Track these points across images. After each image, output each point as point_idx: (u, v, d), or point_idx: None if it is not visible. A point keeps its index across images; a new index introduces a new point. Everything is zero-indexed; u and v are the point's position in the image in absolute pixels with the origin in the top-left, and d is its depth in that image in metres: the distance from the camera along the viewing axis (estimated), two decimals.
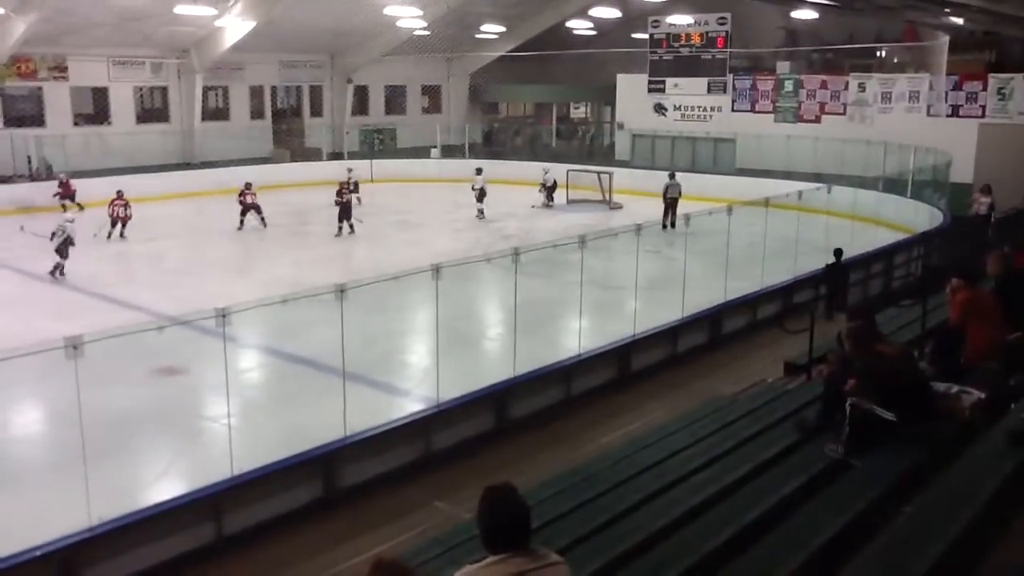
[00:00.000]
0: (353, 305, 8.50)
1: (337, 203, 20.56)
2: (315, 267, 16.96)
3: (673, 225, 19.52)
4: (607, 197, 25.60)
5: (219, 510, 7.46)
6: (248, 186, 21.61)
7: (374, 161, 30.36)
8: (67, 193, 22.57)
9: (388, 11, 25.60)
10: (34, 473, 8.65)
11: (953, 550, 4.02)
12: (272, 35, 27.00)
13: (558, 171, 25.92)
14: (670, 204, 21.30)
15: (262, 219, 21.56)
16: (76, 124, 27.09)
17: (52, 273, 16.19)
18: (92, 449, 6.91)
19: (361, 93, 34.14)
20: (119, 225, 19.83)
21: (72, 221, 17.01)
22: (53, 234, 16.43)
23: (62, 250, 16.25)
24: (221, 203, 22.73)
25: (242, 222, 21.42)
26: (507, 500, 3.18)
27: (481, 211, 23.13)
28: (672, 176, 22.32)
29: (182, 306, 10.79)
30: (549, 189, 25.35)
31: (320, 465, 8.19)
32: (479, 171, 23.94)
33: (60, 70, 26.39)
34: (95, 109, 27.70)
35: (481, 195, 23.17)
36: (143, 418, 9.69)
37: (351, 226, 20.56)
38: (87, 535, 6.67)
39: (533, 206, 24.95)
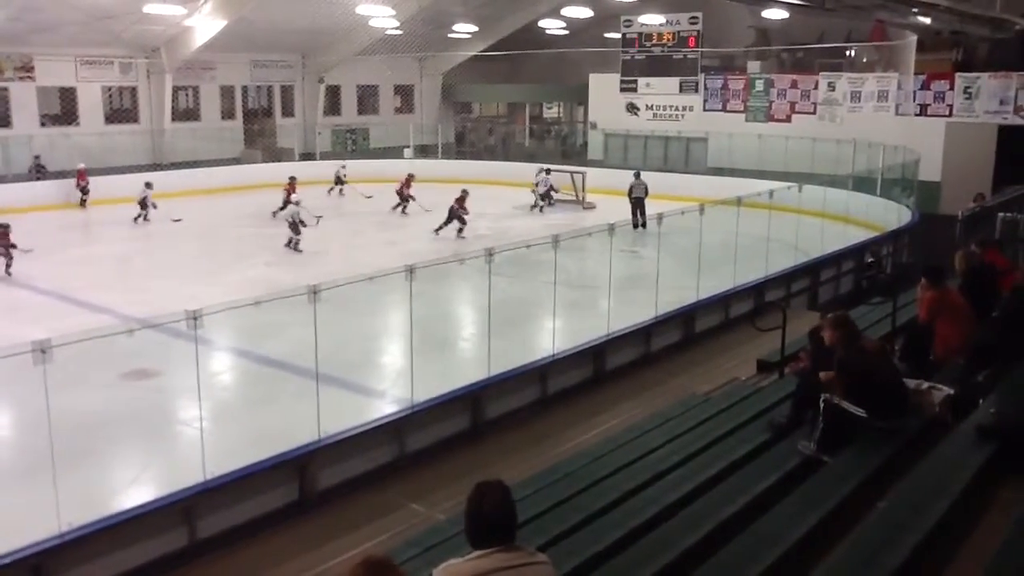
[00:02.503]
0: (327, 306, 8.44)
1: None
2: (288, 268, 16.84)
3: (644, 225, 19.36)
4: (580, 197, 25.64)
5: (192, 514, 7.38)
6: (411, 178, 23.84)
7: (347, 161, 30.22)
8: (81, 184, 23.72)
9: (360, 10, 25.45)
10: (2, 479, 8.50)
11: (926, 543, 4.08)
12: (243, 34, 26.76)
13: (531, 171, 25.94)
14: (636, 203, 21.34)
15: (403, 207, 23.47)
16: (43, 125, 26.66)
17: (287, 245, 18.82)
18: (62, 454, 6.80)
19: (333, 93, 33.94)
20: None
21: (299, 203, 19.59)
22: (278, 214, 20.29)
23: (295, 227, 18.92)
24: (191, 204, 22.52)
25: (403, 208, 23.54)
26: (495, 497, 3.19)
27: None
28: (637, 175, 22.34)
29: (153, 309, 10.66)
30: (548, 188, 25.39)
31: (294, 468, 8.12)
32: (546, 171, 25.14)
33: (26, 70, 25.97)
34: (63, 109, 27.27)
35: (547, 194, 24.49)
36: (114, 422, 9.56)
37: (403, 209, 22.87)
38: (57, 541, 6.57)
39: (532, 207, 24.81)
